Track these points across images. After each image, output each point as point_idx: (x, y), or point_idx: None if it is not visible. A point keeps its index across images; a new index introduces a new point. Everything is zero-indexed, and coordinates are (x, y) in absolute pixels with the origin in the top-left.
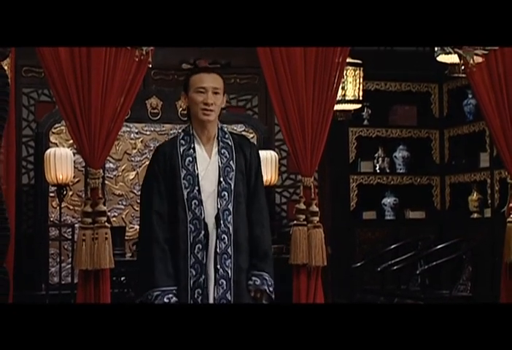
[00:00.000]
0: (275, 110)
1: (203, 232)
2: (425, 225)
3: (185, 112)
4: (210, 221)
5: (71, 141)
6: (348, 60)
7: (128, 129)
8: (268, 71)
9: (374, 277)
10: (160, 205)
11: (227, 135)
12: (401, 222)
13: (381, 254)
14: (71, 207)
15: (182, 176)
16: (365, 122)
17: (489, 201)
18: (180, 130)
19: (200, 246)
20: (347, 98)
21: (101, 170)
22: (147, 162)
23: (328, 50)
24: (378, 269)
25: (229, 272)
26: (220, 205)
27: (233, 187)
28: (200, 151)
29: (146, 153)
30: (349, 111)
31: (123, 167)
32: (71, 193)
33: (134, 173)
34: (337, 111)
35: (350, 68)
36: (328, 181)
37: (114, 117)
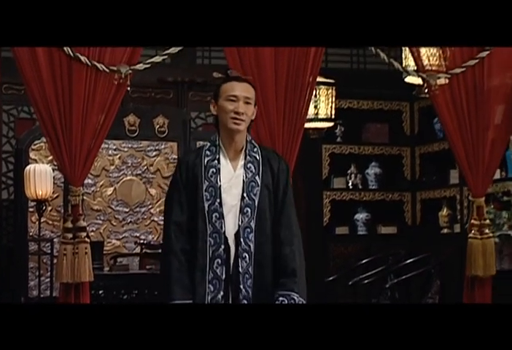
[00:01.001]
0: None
1: (222, 246)
2: (397, 240)
3: (163, 129)
4: (230, 236)
5: (51, 158)
6: (321, 79)
7: (106, 146)
8: None
9: (346, 291)
10: (180, 216)
11: (255, 149)
12: (373, 237)
13: (353, 269)
14: (50, 222)
15: (204, 187)
16: (338, 140)
17: (459, 217)
18: (207, 141)
19: (220, 261)
20: (320, 116)
21: (81, 188)
22: (125, 178)
23: (299, 69)
24: (350, 283)
25: (250, 292)
26: (242, 222)
27: (256, 203)
28: (225, 163)
29: (123, 169)
30: (322, 129)
31: (101, 183)
32: (50, 208)
33: (112, 188)
34: (310, 129)
35: (323, 87)
36: (302, 197)
37: (95, 135)
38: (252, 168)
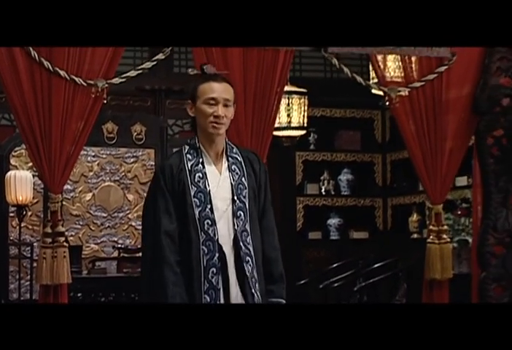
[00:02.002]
0: None
1: (217, 254)
2: (368, 245)
3: (140, 136)
4: (224, 242)
5: (31, 164)
6: (294, 88)
7: (85, 152)
8: None
9: (318, 294)
10: (170, 225)
11: (234, 150)
12: (345, 241)
13: (325, 272)
14: (30, 227)
15: (193, 193)
16: (312, 147)
17: (428, 222)
18: (184, 144)
19: (215, 270)
20: (292, 124)
21: (60, 195)
22: (103, 184)
23: (267, 79)
24: (321, 286)
25: (260, 296)
26: (237, 226)
27: (247, 205)
28: (209, 166)
29: (102, 175)
30: (295, 137)
31: (80, 188)
32: (30, 213)
33: (90, 194)
34: (283, 137)
35: (295, 96)
36: (276, 203)
37: (73, 144)
38: (237, 169)
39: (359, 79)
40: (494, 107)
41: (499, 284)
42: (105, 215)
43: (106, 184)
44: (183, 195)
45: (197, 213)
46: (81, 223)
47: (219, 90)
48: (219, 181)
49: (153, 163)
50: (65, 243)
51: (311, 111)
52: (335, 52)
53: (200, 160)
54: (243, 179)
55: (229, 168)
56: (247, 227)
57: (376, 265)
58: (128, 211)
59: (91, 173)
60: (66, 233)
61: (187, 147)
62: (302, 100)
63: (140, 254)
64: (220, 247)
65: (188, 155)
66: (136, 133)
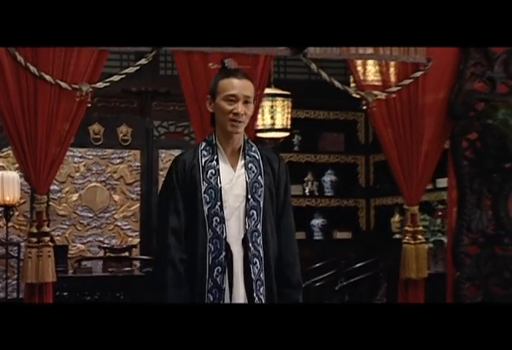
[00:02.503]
0: (197, 141)
1: (223, 253)
2: (351, 245)
3: (126, 138)
4: (233, 241)
5: (18, 165)
6: (278, 91)
7: (72, 153)
8: (191, 102)
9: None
10: (177, 222)
11: (253, 148)
12: (329, 241)
13: (307, 272)
14: (17, 226)
15: (203, 189)
16: (296, 148)
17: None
18: (202, 140)
19: (220, 269)
20: (276, 126)
21: (46, 196)
22: (90, 185)
23: None
24: (303, 286)
25: (263, 300)
26: (248, 225)
27: (262, 204)
28: (223, 163)
29: (88, 176)
30: (278, 138)
31: (67, 189)
32: (17, 214)
33: (77, 194)
34: (267, 138)
35: (279, 99)
36: None
37: (58, 147)
38: (254, 168)
39: (336, 83)
40: (469, 111)
41: (473, 284)
42: (91, 215)
43: (93, 184)
44: (194, 190)
45: (206, 209)
46: (67, 223)
47: (240, 86)
48: (232, 179)
49: (139, 164)
50: (50, 243)
51: (294, 113)
52: (313, 57)
53: (215, 157)
54: (259, 177)
55: (245, 166)
56: (259, 227)
57: (358, 265)
58: (113, 212)
59: (77, 174)
60: (53, 233)
61: (203, 143)
62: (286, 102)
63: (126, 253)
64: (228, 246)
65: (204, 151)
66: (122, 135)
